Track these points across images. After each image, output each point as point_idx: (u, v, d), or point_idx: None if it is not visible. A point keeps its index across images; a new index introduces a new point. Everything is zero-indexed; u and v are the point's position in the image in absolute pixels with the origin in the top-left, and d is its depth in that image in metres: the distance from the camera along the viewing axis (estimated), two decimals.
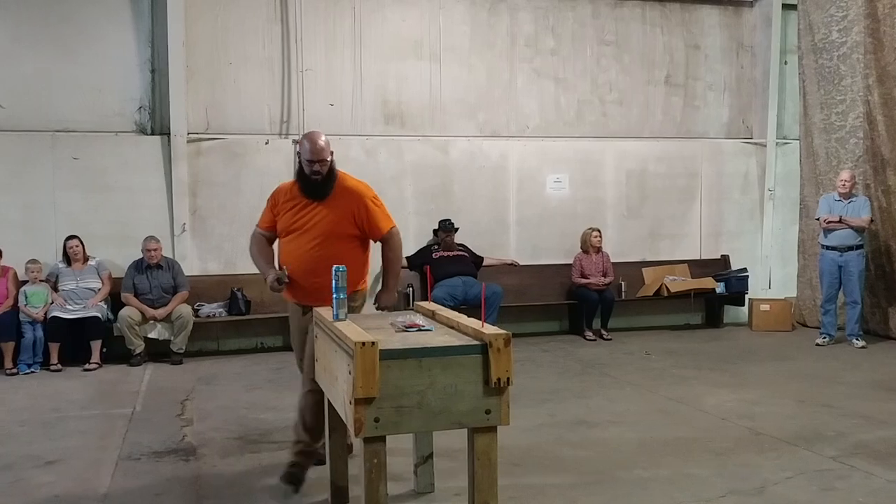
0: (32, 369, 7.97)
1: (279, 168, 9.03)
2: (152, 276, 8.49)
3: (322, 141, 4.48)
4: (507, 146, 10.10)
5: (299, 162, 4.52)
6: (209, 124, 9.20)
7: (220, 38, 9.19)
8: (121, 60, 8.92)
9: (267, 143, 9.30)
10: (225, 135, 9.23)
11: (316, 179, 4.46)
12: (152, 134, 9.03)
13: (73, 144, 8.76)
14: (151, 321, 8.43)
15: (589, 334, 9.59)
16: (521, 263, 10.04)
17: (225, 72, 9.23)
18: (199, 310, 8.80)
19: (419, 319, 3.89)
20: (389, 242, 4.67)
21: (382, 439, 3.21)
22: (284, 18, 9.35)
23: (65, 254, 8.43)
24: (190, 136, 9.04)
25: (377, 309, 4.67)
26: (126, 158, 8.93)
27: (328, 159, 4.47)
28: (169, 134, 8.97)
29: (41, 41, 8.68)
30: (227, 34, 9.21)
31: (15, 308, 8.13)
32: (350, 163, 9.33)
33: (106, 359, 8.27)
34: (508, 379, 3.22)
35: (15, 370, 7.91)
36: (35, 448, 5.31)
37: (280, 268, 4.60)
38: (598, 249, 9.91)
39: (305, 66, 9.42)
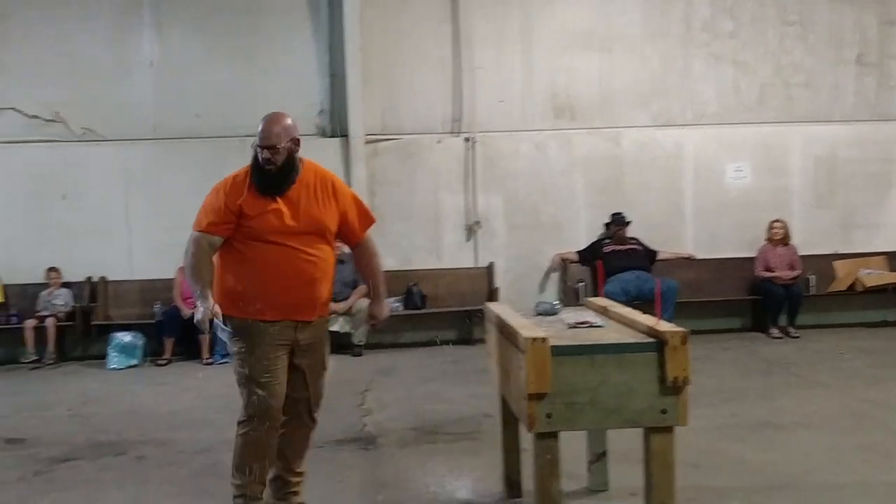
0: (226, 360, 8.54)
1: (451, 166, 9.23)
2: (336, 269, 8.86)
3: (278, 124, 3.77)
4: (682, 135, 9.77)
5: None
6: (385, 125, 9.50)
7: (394, 41, 9.47)
8: (302, 67, 9.38)
9: (439, 143, 9.49)
10: (400, 135, 9.50)
11: (269, 170, 3.70)
12: (332, 136, 9.44)
13: None
14: (333, 315, 8.81)
15: (774, 331, 9.10)
16: (699, 257, 9.68)
17: (399, 73, 9.50)
18: None
19: (590, 316, 3.84)
20: (368, 246, 4.12)
21: (555, 435, 3.20)
22: (455, 17, 9.49)
23: None
24: (367, 137, 9.37)
25: (372, 327, 4.20)
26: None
27: (281, 146, 3.71)
28: (347, 136, 9.34)
29: (232, 53, 9.29)
30: (400, 37, 9.48)
31: None
32: (520, 159, 9.44)
33: None
34: (686, 378, 3.11)
35: (210, 360, 8.51)
36: (230, 434, 5.64)
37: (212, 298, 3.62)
38: (785, 241, 9.40)
39: (476, 63, 9.53)
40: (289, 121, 3.83)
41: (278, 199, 3.70)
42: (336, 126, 9.47)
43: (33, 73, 9.13)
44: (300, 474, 3.95)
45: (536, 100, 9.63)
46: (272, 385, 3.67)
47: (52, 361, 8.62)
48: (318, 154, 9.14)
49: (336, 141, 9.39)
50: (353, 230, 4.00)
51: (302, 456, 3.94)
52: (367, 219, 4.07)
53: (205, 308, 3.55)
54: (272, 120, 3.81)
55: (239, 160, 9.12)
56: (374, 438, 5.48)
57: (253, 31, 9.32)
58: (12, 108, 9.15)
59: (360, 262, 4.19)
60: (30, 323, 8.63)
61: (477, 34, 9.52)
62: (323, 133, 9.45)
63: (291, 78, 9.35)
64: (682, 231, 9.79)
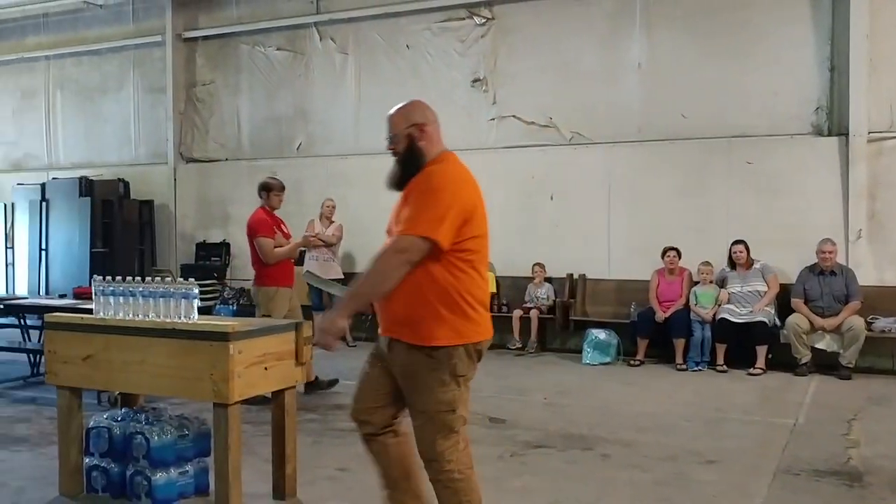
0: (699, 367, 8.28)
1: None
2: (824, 282, 8.07)
3: (399, 109, 3.32)
4: None
5: None
6: (893, 121, 8.36)
7: None
8: (797, 61, 8.69)
9: None
10: None
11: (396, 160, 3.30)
12: (829, 135, 8.59)
13: (748, 149, 8.83)
14: (819, 331, 8.02)
15: None
16: None
17: None
18: (872, 323, 8.06)
19: None
20: (386, 245, 3.24)
21: None
22: None
23: (729, 258, 8.56)
24: (870, 135, 8.35)
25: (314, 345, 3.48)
26: (800, 161, 8.66)
27: (397, 132, 3.27)
28: (847, 134, 8.41)
29: (721, 51, 8.97)
30: None
31: (686, 307, 8.54)
32: None
33: (771, 365, 8.14)
34: None
35: (684, 366, 8.32)
36: (697, 444, 5.46)
37: None
38: None
39: None
40: (413, 106, 3.35)
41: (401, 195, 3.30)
42: (834, 124, 8.60)
43: (532, 82, 9.84)
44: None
45: None
46: (357, 389, 3.52)
47: (533, 350, 9.21)
48: (810, 154, 8.56)
49: (833, 140, 8.53)
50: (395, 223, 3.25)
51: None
52: (411, 222, 3.13)
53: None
54: (397, 106, 3.37)
55: (723, 162, 8.83)
56: (860, 475, 4.80)
57: (743, 27, 8.88)
58: (513, 116, 9.97)
59: None
60: (517, 313, 9.33)
61: None
62: (819, 132, 8.65)
63: (784, 74, 8.72)
64: None
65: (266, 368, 4.09)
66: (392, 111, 3.35)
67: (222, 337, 3.86)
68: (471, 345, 3.25)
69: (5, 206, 12.65)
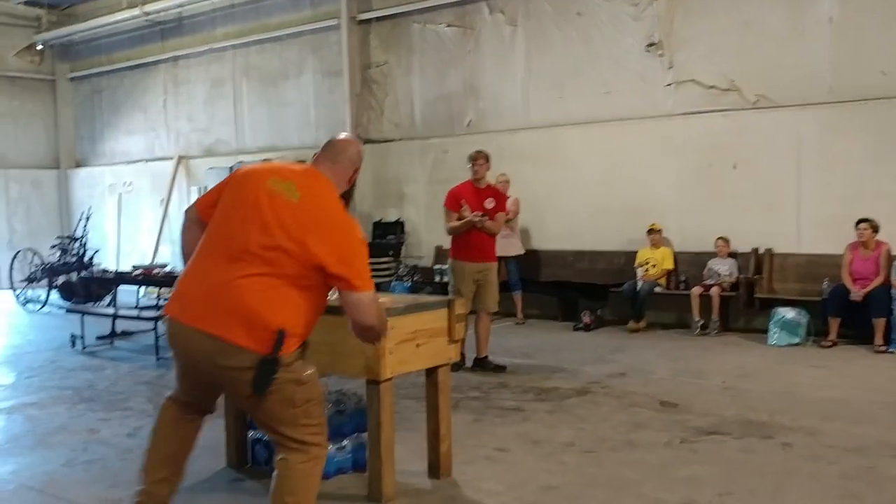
0: None
1: None
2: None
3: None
4: None
5: None
6: None
7: None
8: None
9: None
10: None
11: None
12: None
13: None
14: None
15: None
16: None
17: None
18: None
19: None
20: None
21: None
22: None
23: None
24: None
25: None
26: None
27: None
28: None
29: None
30: None
31: (887, 284, 7.75)
32: None
33: None
34: None
35: (884, 347, 7.57)
36: (893, 435, 4.91)
37: None
38: None
39: None
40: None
41: None
42: None
43: (711, 45, 9.23)
44: None
45: None
46: None
47: (715, 330, 8.69)
48: None
49: None
50: None
51: None
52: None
53: None
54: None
55: None
56: None
57: None
58: (692, 80, 9.41)
59: None
60: (696, 290, 8.83)
61: None
62: None
63: None
64: None
65: (418, 345, 4.05)
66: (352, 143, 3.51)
67: None
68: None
69: (199, 189, 13.49)
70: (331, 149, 3.38)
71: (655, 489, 4.12)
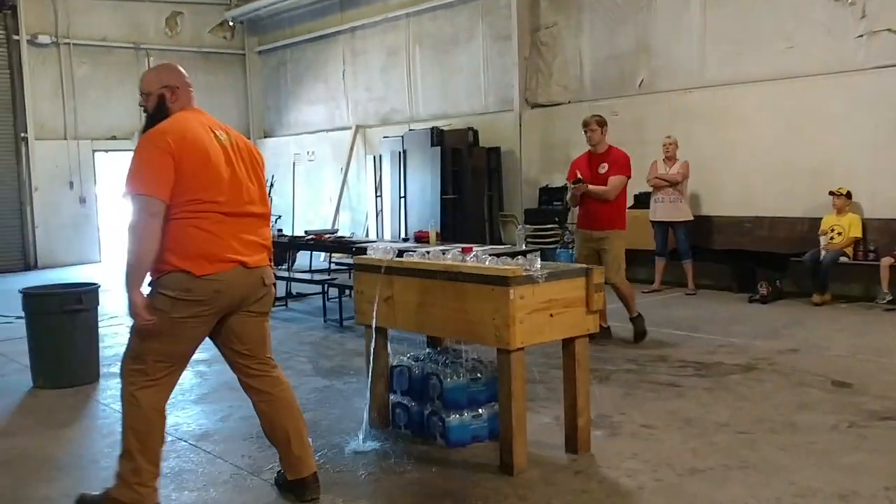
0: None
1: None
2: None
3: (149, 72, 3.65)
4: None
5: None
6: None
7: None
8: None
9: None
10: None
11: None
12: None
13: None
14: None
15: None
16: None
17: None
18: None
19: None
20: None
21: None
22: None
23: None
24: None
25: None
26: None
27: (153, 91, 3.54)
28: None
29: None
30: None
31: None
32: None
33: None
34: None
35: None
36: None
37: None
38: None
39: None
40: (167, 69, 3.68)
41: None
42: None
43: None
44: None
45: None
46: None
47: None
48: None
49: None
50: None
51: None
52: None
53: None
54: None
55: None
56: None
57: None
58: (888, 30, 8.53)
59: None
60: (886, 261, 8.05)
61: None
62: None
63: None
64: None
65: (552, 315, 3.92)
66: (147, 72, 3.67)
67: (503, 281, 3.76)
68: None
69: (374, 158, 13.83)
70: (190, 85, 3.62)
71: (811, 477, 3.79)
